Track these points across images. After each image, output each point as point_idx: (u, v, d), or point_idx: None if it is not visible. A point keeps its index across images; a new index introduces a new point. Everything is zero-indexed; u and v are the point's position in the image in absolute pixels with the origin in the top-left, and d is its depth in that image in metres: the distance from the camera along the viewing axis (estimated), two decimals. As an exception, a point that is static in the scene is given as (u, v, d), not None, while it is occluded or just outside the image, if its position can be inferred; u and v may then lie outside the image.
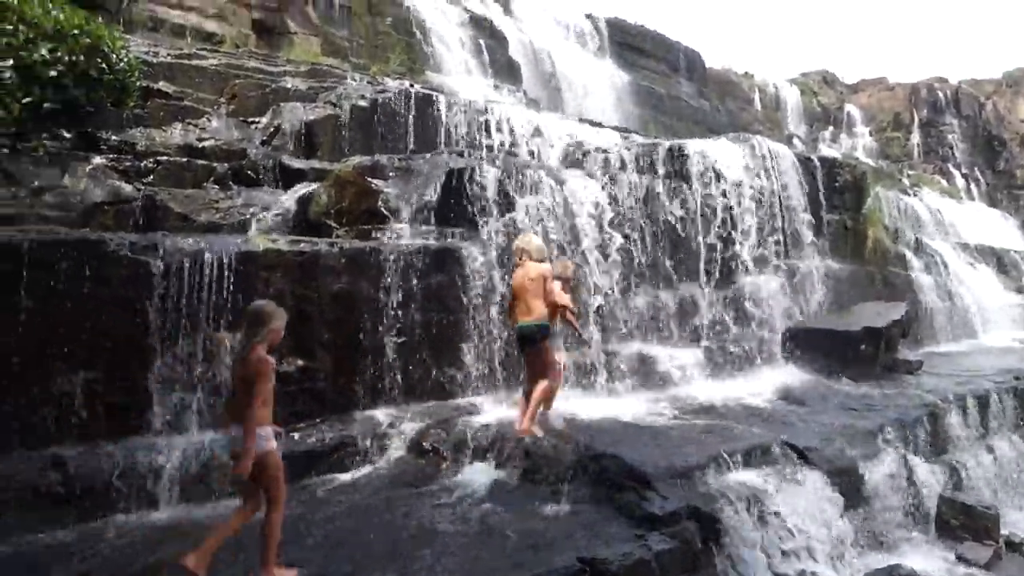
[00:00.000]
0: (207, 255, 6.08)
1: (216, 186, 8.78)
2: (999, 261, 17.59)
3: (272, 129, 10.36)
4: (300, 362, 6.48)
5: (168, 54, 11.58)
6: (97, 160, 8.14)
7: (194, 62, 11.64)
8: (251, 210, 8.25)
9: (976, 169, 32.50)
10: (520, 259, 6.45)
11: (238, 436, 3.99)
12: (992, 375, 9.92)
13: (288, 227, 8.22)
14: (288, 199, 8.53)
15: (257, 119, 10.75)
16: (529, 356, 6.46)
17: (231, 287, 6.12)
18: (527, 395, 6.43)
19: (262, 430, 4.00)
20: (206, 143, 9.53)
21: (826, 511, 6.07)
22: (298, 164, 9.56)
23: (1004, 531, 6.93)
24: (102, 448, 5.50)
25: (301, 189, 8.63)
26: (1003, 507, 7.61)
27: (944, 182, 30.13)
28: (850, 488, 6.40)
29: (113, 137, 8.83)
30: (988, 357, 11.66)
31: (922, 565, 6.09)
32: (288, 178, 9.25)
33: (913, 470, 7.10)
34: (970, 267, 15.95)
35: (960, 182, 31.49)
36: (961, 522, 6.78)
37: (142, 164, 8.49)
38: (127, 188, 7.90)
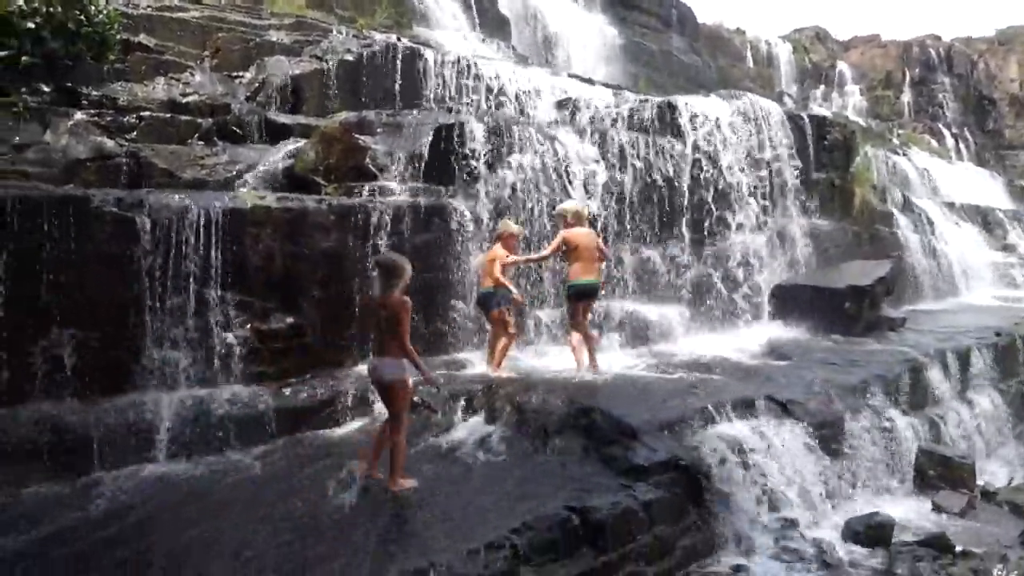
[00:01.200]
0: (194, 211, 6.05)
1: (201, 142, 8.66)
2: (984, 220, 17.74)
3: (257, 84, 10.19)
4: (290, 319, 6.51)
5: (148, 6, 11.28)
6: (78, 115, 7.99)
7: (176, 14, 11.36)
8: (237, 167, 8.17)
9: (966, 129, 32.43)
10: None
11: (379, 366, 4.86)
12: (973, 332, 10.11)
13: (275, 184, 8.16)
14: (274, 156, 8.44)
15: (241, 73, 10.56)
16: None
17: (219, 244, 6.10)
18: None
19: (399, 362, 4.81)
20: (189, 98, 9.36)
21: (808, 462, 6.24)
22: (284, 119, 9.44)
23: (980, 481, 7.15)
24: (92, 405, 5.54)
25: (287, 146, 8.53)
26: (979, 458, 7.84)
27: (934, 142, 30.09)
28: (832, 440, 6.57)
29: (94, 92, 8.66)
30: (970, 314, 11.85)
31: (900, 513, 6.28)
32: (274, 134, 9.14)
33: (893, 423, 7.27)
34: (955, 226, 16.09)
35: (950, 142, 31.45)
36: (938, 472, 6.98)
37: (125, 119, 8.34)
38: (110, 144, 7.79)
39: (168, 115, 8.80)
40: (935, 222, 15.12)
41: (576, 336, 7.27)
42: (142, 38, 10.39)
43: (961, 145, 31.72)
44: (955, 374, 8.77)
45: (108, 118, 8.27)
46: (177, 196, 6.19)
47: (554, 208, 8.12)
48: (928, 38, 35.41)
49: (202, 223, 6.04)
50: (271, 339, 6.41)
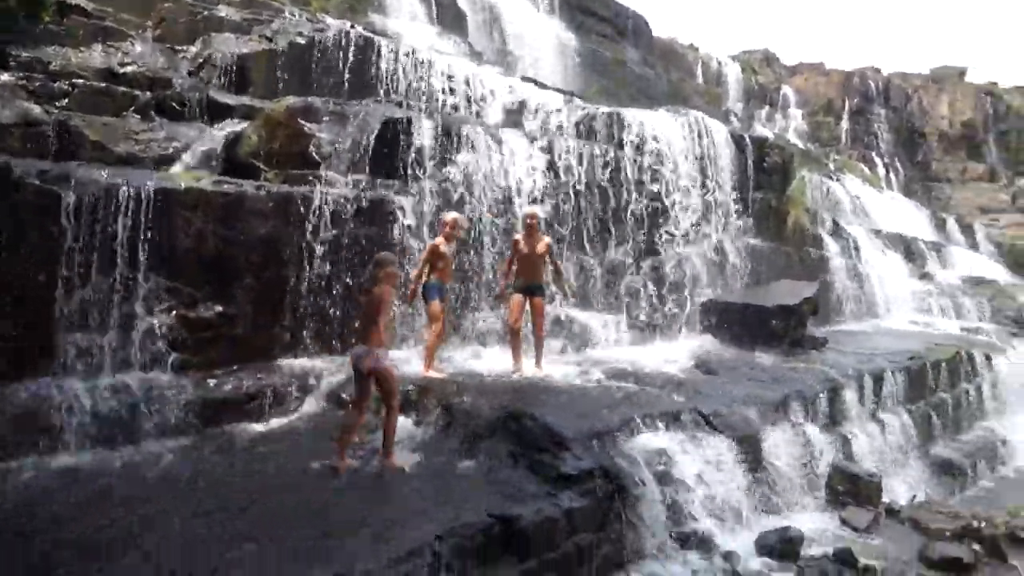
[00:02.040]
0: (123, 189, 5.80)
1: (137, 116, 8.34)
2: (907, 248, 18.59)
3: (201, 60, 9.85)
4: (219, 308, 6.33)
5: (89, -33, 10.76)
6: (5, 77, 7.59)
7: (118, -21, 10.86)
8: (174, 144, 7.90)
9: (896, 159, 33.94)
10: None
11: (360, 352, 5.17)
12: (889, 354, 10.57)
13: (214, 166, 7.91)
14: (215, 136, 8.18)
15: (185, 47, 10.19)
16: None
17: (148, 225, 5.87)
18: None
19: (382, 351, 5.17)
20: (128, 68, 8.99)
21: (727, 475, 6.40)
22: (227, 99, 9.16)
23: (885, 499, 7.49)
24: (7, 388, 5.25)
25: (229, 127, 8.28)
26: (886, 476, 8.21)
27: (867, 169, 31.37)
28: (751, 454, 6.76)
29: (24, 54, 8.22)
30: (887, 338, 12.39)
31: (809, 527, 6.52)
32: (216, 113, 8.86)
33: (810, 439, 7.55)
34: (881, 252, 16.80)
35: (881, 171, 32.84)
36: (847, 488, 7.27)
37: (56, 86, 7.96)
38: (36, 110, 7.41)
39: (104, 84, 8.44)
40: (862, 247, 15.77)
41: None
42: (81, 1, 9.91)
43: (891, 174, 33.16)
44: (869, 395, 9.16)
45: (37, 83, 7.89)
46: (106, 172, 5.94)
47: (496, 211, 8.12)
48: (869, 70, 36.90)
49: (131, 202, 5.80)
50: (198, 327, 6.22)
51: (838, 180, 22.22)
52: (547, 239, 7.67)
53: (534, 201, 8.91)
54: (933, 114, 35.17)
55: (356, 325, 5.59)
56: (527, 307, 7.52)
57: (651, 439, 6.17)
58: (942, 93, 35.17)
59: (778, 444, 7.01)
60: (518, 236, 7.62)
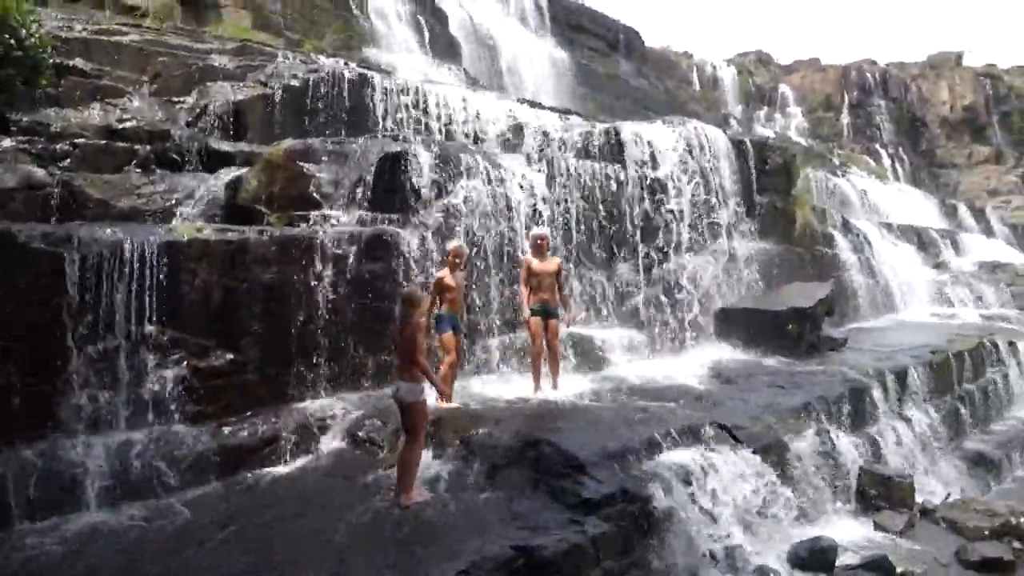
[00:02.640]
0: (127, 246, 5.83)
1: (138, 170, 8.42)
2: (919, 239, 18.39)
3: (198, 110, 9.97)
4: (229, 355, 6.31)
5: (84, 29, 10.97)
6: (7, 143, 7.70)
7: (113, 38, 11.06)
8: (175, 195, 7.95)
9: (901, 149, 33.79)
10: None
11: (399, 388, 5.32)
12: (910, 349, 10.42)
13: (216, 214, 7.96)
14: (215, 184, 8.25)
15: (182, 99, 10.32)
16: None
17: (154, 279, 5.89)
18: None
19: (416, 384, 5.27)
20: (127, 124, 9.10)
21: (753, 487, 6.28)
22: (226, 147, 9.25)
23: (919, 498, 7.33)
24: (18, 450, 5.26)
25: (229, 174, 8.35)
26: (918, 474, 8.05)
27: (872, 162, 31.23)
28: (777, 464, 6.64)
29: (24, 118, 8.35)
30: (907, 332, 12.22)
31: (843, 535, 6.39)
32: (215, 162, 8.94)
33: (836, 444, 7.41)
34: (892, 245, 16.63)
35: (887, 161, 32.70)
36: (879, 492, 7.13)
37: (57, 147, 8.06)
38: (40, 173, 7.49)
39: (103, 142, 8.54)
40: (873, 242, 15.61)
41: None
42: (77, 62, 10.09)
43: (897, 165, 32.99)
44: (893, 393, 9.01)
45: (39, 145, 7.99)
46: (109, 230, 5.97)
47: (502, 236, 8.10)
48: (865, 63, 36.88)
49: (136, 258, 5.83)
50: (209, 376, 6.21)
51: (843, 175, 22.10)
52: (558, 259, 7.70)
53: (540, 223, 8.92)
54: (933, 101, 35.06)
55: (396, 363, 5.74)
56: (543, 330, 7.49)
57: (672, 457, 6.07)
58: (940, 79, 35.06)
59: (803, 451, 6.90)
60: (527, 257, 7.63)
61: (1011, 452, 9.73)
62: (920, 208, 23.14)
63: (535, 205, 8.90)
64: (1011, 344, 11.99)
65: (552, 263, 7.53)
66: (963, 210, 25.15)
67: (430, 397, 7.00)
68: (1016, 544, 6.20)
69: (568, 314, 7.71)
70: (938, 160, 34.40)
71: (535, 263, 7.50)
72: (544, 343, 7.52)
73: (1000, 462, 9.36)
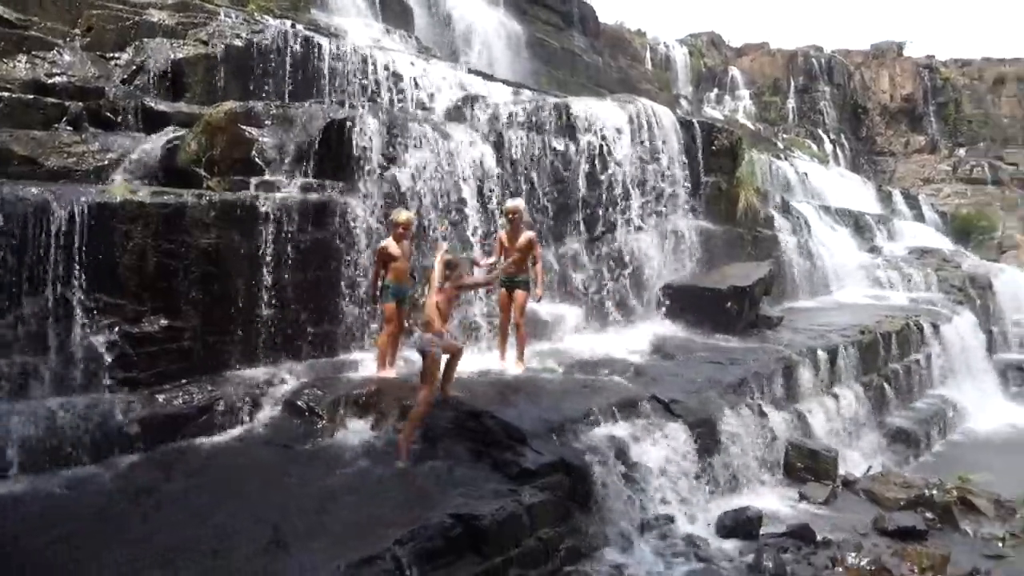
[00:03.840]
0: (55, 206, 5.59)
1: (69, 128, 8.02)
2: (856, 223, 19.02)
3: (134, 67, 9.51)
4: (164, 321, 6.14)
5: (10, -26, 10.31)
6: (-77, 94, 7.23)
7: (43, -14, 10.43)
8: (109, 155, 7.61)
9: (842, 135, 34.70)
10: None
11: (421, 338, 5.74)
12: (841, 329, 10.84)
13: (152, 176, 7.67)
14: (152, 145, 7.94)
15: (117, 55, 9.80)
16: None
17: (85, 241, 5.67)
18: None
19: (436, 335, 5.67)
20: (57, 79, 8.63)
21: (686, 460, 6.49)
22: (163, 107, 8.87)
23: (842, 471, 7.69)
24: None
25: (167, 135, 8.04)
26: (843, 449, 8.43)
27: (814, 146, 32.01)
28: (710, 437, 6.87)
29: (-57, 68, 7.85)
30: (840, 313, 12.70)
31: (769, 505, 6.66)
32: (152, 122, 8.58)
33: (767, 418, 7.70)
34: (830, 229, 17.16)
35: (828, 147, 33.54)
36: (806, 465, 7.46)
37: (-21, 100, 7.61)
38: (-40, 127, 7.08)
39: (31, 97, 8.11)
40: (812, 225, 16.08)
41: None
42: (2, 11, 9.49)
43: (838, 150, 33.88)
44: (824, 370, 9.38)
45: (-41, 98, 7.53)
46: (35, 189, 5.71)
47: (446, 208, 8.05)
48: (811, 48, 37.58)
49: (64, 219, 5.59)
50: (144, 343, 6.04)
51: (787, 159, 22.61)
52: (530, 233, 7.53)
53: (490, 197, 8.89)
54: (875, 89, 36.02)
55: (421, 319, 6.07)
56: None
57: (610, 429, 6.23)
58: (882, 68, 36.02)
59: (736, 426, 7.13)
60: (500, 233, 7.60)
61: (930, 429, 10.29)
62: (858, 193, 23.90)
63: (483, 178, 8.86)
64: (935, 326, 12.59)
65: (523, 237, 7.40)
66: (898, 197, 26.08)
67: (372, 367, 7.04)
68: (928, 514, 6.57)
69: (537, 289, 7.64)
70: (877, 147, 35.47)
71: (505, 237, 7.46)
72: (509, 316, 7.54)
73: (919, 437, 9.88)
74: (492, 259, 7.43)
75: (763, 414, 7.66)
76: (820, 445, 7.78)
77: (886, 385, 10.51)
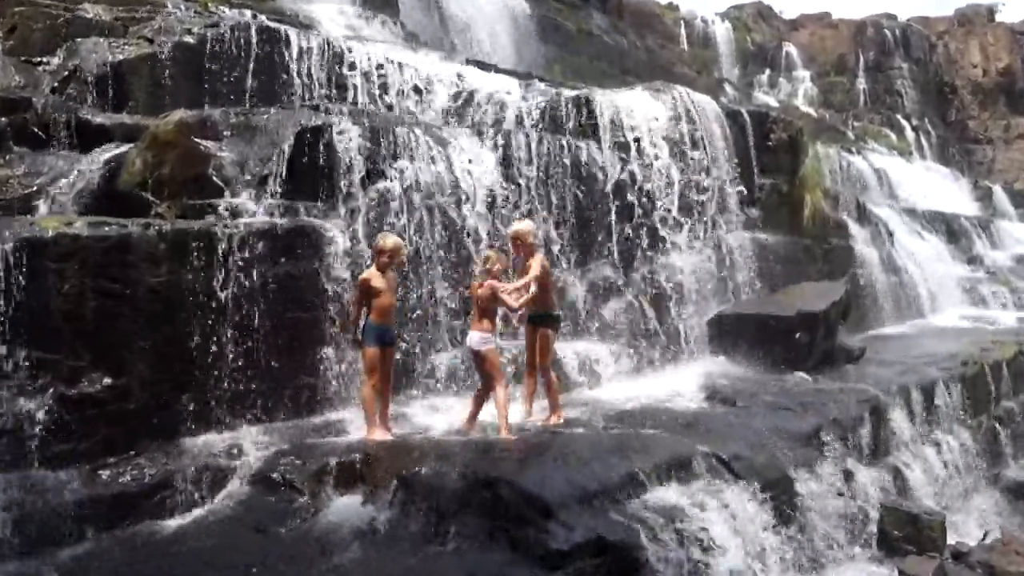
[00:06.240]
0: (-27, 244, 5.67)
1: (-10, 148, 8.21)
2: (949, 228, 18.95)
3: (66, 72, 9.76)
4: (107, 379, 6.17)
5: (-84, -32, 10.62)
6: None
7: (-45, -19, 10.73)
8: (38, 180, 7.79)
9: (927, 120, 34.72)
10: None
11: (472, 336, 7.10)
12: (939, 361, 10.74)
13: (90, 203, 7.81)
14: (89, 166, 8.10)
15: (45, 59, 10.07)
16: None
17: (7, 288, 5.73)
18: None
19: (484, 335, 7.03)
20: (-27, 90, 8.86)
21: (757, 530, 6.39)
22: (102, 119, 9.07)
23: (951, 539, 7.54)
24: None
25: (106, 153, 8.21)
26: (950, 512, 8.29)
27: (893, 135, 32.04)
28: (783, 501, 6.76)
29: None
30: (936, 340, 12.59)
31: (862, 586, 6.54)
32: (88, 138, 8.78)
33: (853, 477, 7.59)
34: (918, 236, 17.09)
35: (910, 135, 33.56)
36: (904, 533, 7.32)
37: None
38: None
39: (-56, 112, 8.30)
40: (895, 232, 16.03)
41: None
42: (-91, 10, 9.78)
43: (922, 139, 33.86)
44: (920, 413, 9.26)
45: None
46: (-51, 225, 5.80)
47: (445, 228, 8.10)
48: (883, 17, 37.85)
49: (-15, 260, 5.67)
50: (83, 407, 6.06)
51: (859, 152, 22.63)
52: (538, 256, 7.43)
53: (495, 212, 8.94)
54: (963, 63, 36.08)
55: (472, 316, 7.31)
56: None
57: (658, 495, 6.14)
58: (971, 38, 36.11)
59: (814, 487, 7.02)
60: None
61: (1058, 481, 10.09)
62: (949, 191, 23.86)
63: (489, 191, 8.92)
64: (1056, 352, 12.42)
65: (530, 263, 7.30)
66: (999, 193, 26.00)
67: (361, 428, 7.03)
68: (1063, 590, 6.41)
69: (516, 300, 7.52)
70: (970, 133, 35.46)
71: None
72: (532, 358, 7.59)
73: (1046, 494, 9.69)
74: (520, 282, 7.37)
75: (847, 471, 7.56)
76: (921, 508, 7.65)
77: (999, 428, 10.36)
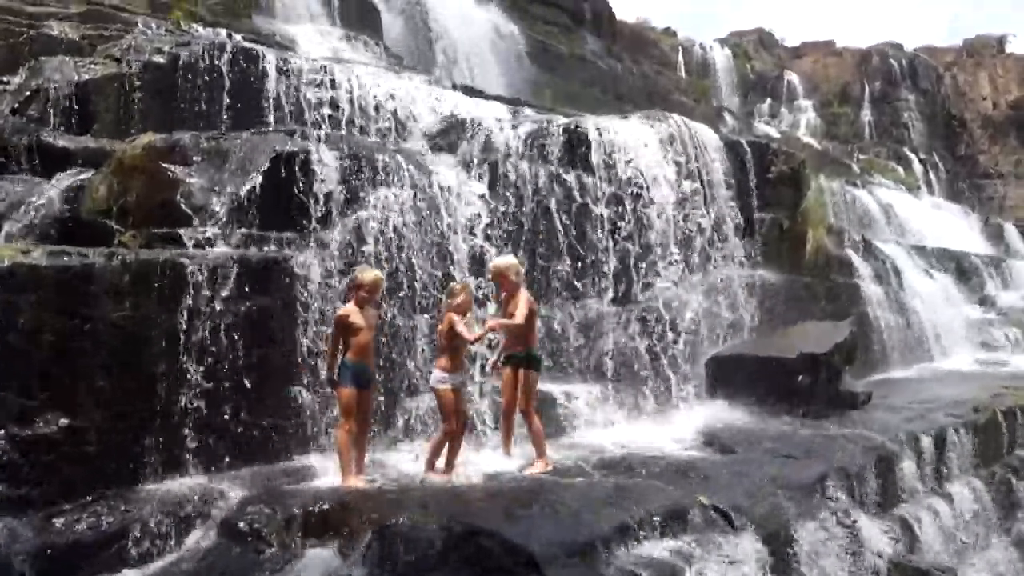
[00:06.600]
0: (-77, 274, 5.66)
1: (-56, 172, 8.23)
2: (959, 267, 19.14)
3: (28, 92, 9.82)
4: (63, 420, 6.14)
5: None
6: None
7: (-88, -4, 10.83)
8: (-5, 207, 7.78)
9: (935, 154, 35.21)
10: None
11: (433, 374, 7.21)
12: (949, 406, 10.78)
13: (50, 231, 7.82)
14: (51, 192, 8.12)
15: (6, 78, 10.14)
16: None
17: (-40, 319, 5.72)
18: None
19: (441, 374, 7.09)
20: (-71, 111, 8.90)
21: (756, 587, 6.37)
22: (65, 142, 9.13)
23: (964, 597, 7.54)
24: None
25: (69, 178, 8.24)
26: (963, 566, 8.30)
27: (900, 169, 32.44)
28: (784, 556, 6.76)
29: None
30: (945, 384, 12.65)
31: (868, 647, 6.51)
32: (50, 162, 8.83)
33: (859, 530, 7.59)
34: (926, 275, 17.24)
35: (917, 169, 33.99)
36: (915, 590, 7.31)
37: None
38: None
39: None
40: (903, 270, 16.17)
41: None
42: None
43: (930, 173, 34.30)
44: (930, 462, 9.29)
45: None
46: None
47: (431, 261, 8.14)
48: (888, 47, 38.54)
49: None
50: (36, 450, 6.03)
51: (865, 186, 22.91)
52: (523, 296, 7.45)
53: (482, 246, 9.00)
54: (972, 95, 36.71)
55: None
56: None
57: (652, 548, 6.13)
58: (980, 69, 36.81)
59: (817, 540, 7.02)
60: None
61: (1076, 535, 10.11)
62: (959, 228, 24.12)
63: (473, 222, 8.98)
64: (1073, 398, 12.51)
65: (514, 303, 7.40)
66: (1011, 231, 26.30)
67: (334, 475, 7.00)
68: (1081, 652, 6.41)
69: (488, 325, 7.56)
70: (980, 168, 36.00)
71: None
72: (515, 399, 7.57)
73: (1063, 548, 9.70)
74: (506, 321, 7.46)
75: (853, 524, 7.55)
76: (932, 563, 7.66)
77: (1013, 479, 10.38)
